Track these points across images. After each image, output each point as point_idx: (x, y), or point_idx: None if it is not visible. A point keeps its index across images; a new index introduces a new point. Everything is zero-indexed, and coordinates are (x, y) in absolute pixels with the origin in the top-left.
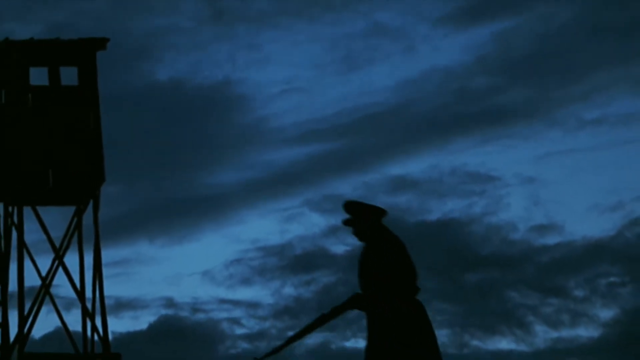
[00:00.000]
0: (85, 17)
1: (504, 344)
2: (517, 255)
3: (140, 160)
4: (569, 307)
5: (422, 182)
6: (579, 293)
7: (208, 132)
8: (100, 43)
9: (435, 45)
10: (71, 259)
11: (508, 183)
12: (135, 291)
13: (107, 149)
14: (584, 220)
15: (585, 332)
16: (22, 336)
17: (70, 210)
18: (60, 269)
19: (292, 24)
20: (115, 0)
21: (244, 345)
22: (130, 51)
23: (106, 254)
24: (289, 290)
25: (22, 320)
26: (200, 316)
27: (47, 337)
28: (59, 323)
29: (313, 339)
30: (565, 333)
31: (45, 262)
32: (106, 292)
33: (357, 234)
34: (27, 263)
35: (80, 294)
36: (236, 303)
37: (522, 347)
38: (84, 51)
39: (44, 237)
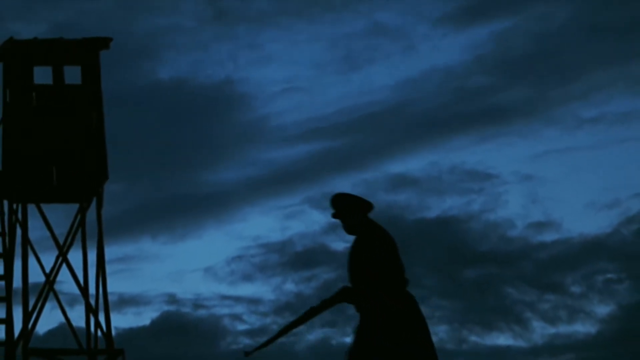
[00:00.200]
0: (88, 17)
1: (502, 339)
2: (515, 252)
3: (143, 159)
4: (567, 303)
5: (422, 180)
6: (576, 289)
7: (210, 131)
8: (103, 43)
9: (435, 45)
10: (75, 256)
11: (506, 181)
12: (138, 287)
13: (110, 147)
14: (582, 217)
15: (583, 328)
16: (27, 332)
17: (73, 207)
18: (64, 266)
19: (293, 23)
20: (118, 1)
21: (246, 340)
22: (132, 51)
23: (109, 251)
24: (289, 286)
25: (27, 316)
26: (202, 312)
27: (51, 333)
28: (62, 319)
29: (314, 335)
30: (563, 329)
31: (49, 259)
32: (109, 289)
33: (347, 228)
34: (31, 260)
35: (84, 290)
36: (238, 299)
37: (520, 343)
38: (87, 51)
39: (48, 234)
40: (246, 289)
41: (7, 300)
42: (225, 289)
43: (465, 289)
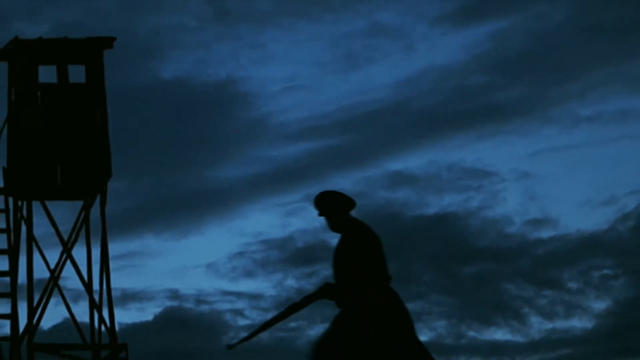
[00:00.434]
0: (92, 17)
1: (500, 334)
2: (512, 249)
3: (146, 156)
4: (564, 298)
5: (421, 178)
6: (573, 285)
7: (212, 129)
8: (107, 42)
9: (434, 44)
10: (79, 252)
11: (504, 178)
12: (141, 283)
13: (113, 145)
14: (578, 214)
15: (579, 323)
16: (31, 327)
17: (78, 204)
18: (69, 262)
19: (294, 23)
20: (121, 1)
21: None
22: (136, 50)
23: (113, 247)
24: (290, 282)
25: (31, 311)
26: (204, 307)
27: (55, 328)
28: (67, 314)
29: (314, 331)
30: (560, 324)
31: (53, 255)
32: (113, 284)
33: (331, 225)
34: (36, 256)
35: (88, 286)
36: (239, 295)
37: (518, 338)
38: (92, 50)
39: (53, 230)
40: (248, 285)
41: (12, 296)
42: (227, 285)
43: (464, 284)
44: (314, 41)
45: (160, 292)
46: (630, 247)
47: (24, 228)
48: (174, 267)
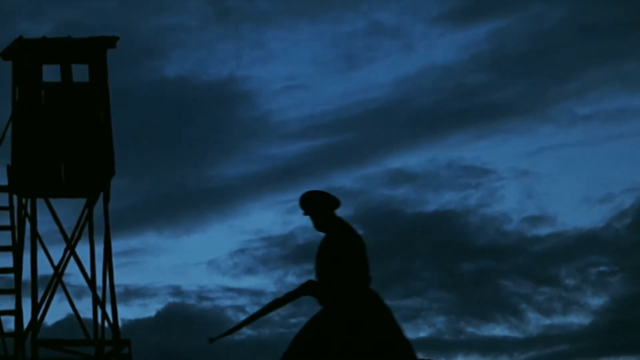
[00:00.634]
0: (95, 16)
1: (498, 330)
2: (510, 246)
3: (148, 155)
4: (561, 295)
5: (420, 175)
6: (570, 282)
7: (214, 127)
8: (111, 41)
9: (432, 43)
10: (82, 249)
11: (502, 176)
12: (143, 280)
13: (116, 144)
14: (575, 211)
15: (576, 319)
16: (35, 323)
17: (81, 202)
18: (72, 259)
19: (295, 23)
20: (124, 1)
21: (248, 332)
22: (139, 49)
23: (116, 244)
24: (291, 278)
25: (35, 307)
26: (206, 304)
27: (59, 324)
28: (70, 310)
29: None
30: (557, 320)
31: (57, 252)
32: (116, 281)
33: (316, 225)
34: (40, 253)
35: (91, 282)
36: (241, 291)
37: (516, 334)
38: (95, 49)
39: (56, 228)
40: (249, 282)
41: (17, 293)
42: (228, 281)
43: (463, 281)
44: (315, 41)
45: (162, 289)
46: (626, 244)
47: (28, 225)
48: (176, 264)
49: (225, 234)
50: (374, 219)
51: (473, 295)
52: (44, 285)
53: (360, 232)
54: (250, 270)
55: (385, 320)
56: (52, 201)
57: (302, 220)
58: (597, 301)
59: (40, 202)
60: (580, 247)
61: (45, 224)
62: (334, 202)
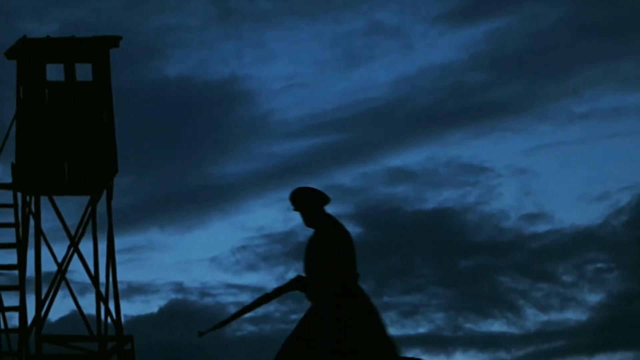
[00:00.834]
0: (99, 16)
1: (496, 326)
2: (508, 243)
3: (151, 152)
4: (558, 291)
5: (419, 173)
6: (567, 278)
7: (215, 126)
8: (113, 41)
9: (432, 43)
10: (86, 246)
11: (500, 174)
12: (146, 276)
13: (119, 142)
14: (573, 209)
15: (574, 315)
16: (39, 319)
17: (84, 199)
18: (76, 256)
19: (295, 23)
20: (127, 1)
21: (250, 328)
22: (141, 49)
23: (119, 241)
24: (292, 275)
25: (39, 304)
26: (208, 300)
27: (62, 320)
28: (74, 307)
29: None
30: (555, 316)
31: (61, 249)
32: (119, 277)
33: (306, 221)
34: (44, 250)
35: (95, 279)
36: (242, 288)
37: (514, 330)
38: (98, 49)
39: (60, 225)
40: (250, 278)
41: (21, 289)
42: (230, 278)
43: (461, 278)
44: (315, 40)
45: (165, 285)
46: (623, 241)
47: (32, 222)
48: (179, 260)
49: (226, 231)
50: (373, 217)
51: (471, 292)
52: (48, 281)
53: (360, 229)
54: (251, 267)
55: (373, 319)
56: (56, 199)
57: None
58: (594, 298)
59: (44, 200)
60: (577, 244)
61: (49, 221)
62: (324, 199)
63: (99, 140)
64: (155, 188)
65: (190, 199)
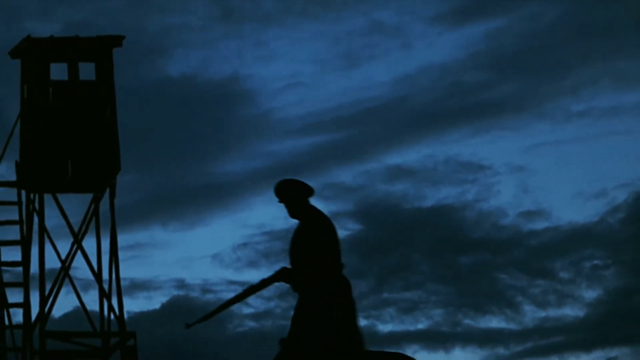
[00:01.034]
0: (102, 16)
1: (495, 322)
2: (506, 240)
3: (153, 151)
4: (556, 288)
5: (418, 171)
6: (564, 275)
7: (217, 124)
8: (117, 40)
9: (431, 42)
10: (89, 243)
11: (498, 172)
12: (149, 273)
13: (122, 140)
14: (570, 206)
15: (571, 311)
16: (43, 315)
17: (88, 197)
18: (79, 253)
19: (296, 22)
20: (130, 0)
21: (251, 323)
22: (144, 48)
23: (122, 239)
24: None
25: (43, 300)
26: (210, 296)
27: (66, 316)
28: (77, 303)
29: None
30: (552, 312)
31: (64, 246)
32: (122, 274)
33: (291, 212)
34: (48, 247)
35: (98, 275)
36: (243, 284)
37: (512, 326)
38: (101, 48)
39: (64, 222)
40: (251, 275)
41: (25, 286)
42: (231, 275)
43: (460, 274)
44: (315, 40)
45: (167, 282)
46: (620, 238)
47: (36, 220)
48: (181, 257)
49: (228, 228)
50: (373, 214)
51: (470, 288)
52: (52, 278)
53: (359, 226)
54: (252, 264)
55: (356, 314)
56: (60, 196)
57: None
58: (591, 294)
59: (47, 198)
60: (574, 241)
61: (52, 219)
62: (308, 191)
63: (102, 139)
64: (158, 186)
65: (192, 197)
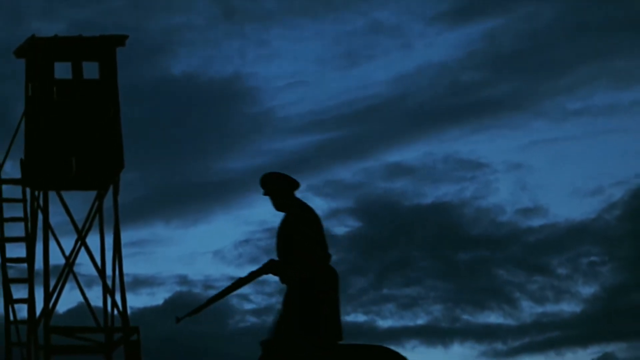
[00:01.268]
0: (105, 15)
1: (493, 318)
2: (504, 236)
3: (156, 148)
4: (553, 284)
5: (417, 169)
6: (562, 271)
7: (219, 123)
8: (120, 40)
9: (430, 41)
10: (93, 240)
11: (496, 169)
12: (152, 269)
13: (126, 138)
14: (567, 203)
15: (568, 307)
16: (48, 311)
17: (91, 194)
18: (83, 249)
19: (298, 22)
20: (133, 0)
21: (252, 319)
22: (147, 47)
23: (125, 235)
24: None
25: (48, 296)
26: (212, 292)
27: (70, 312)
28: (81, 299)
29: None
30: (550, 308)
31: (68, 243)
32: (125, 270)
33: (276, 205)
34: (52, 243)
35: (101, 272)
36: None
37: (510, 321)
38: (105, 47)
39: (68, 219)
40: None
41: (29, 282)
42: (233, 271)
43: (458, 270)
44: (317, 39)
45: (169, 278)
46: (616, 235)
47: (40, 217)
48: (183, 254)
49: (230, 225)
50: (373, 211)
51: (468, 284)
52: (56, 274)
53: (359, 223)
54: (254, 260)
55: (335, 298)
56: (64, 194)
57: None
58: (587, 290)
59: (52, 195)
60: (571, 237)
61: (56, 216)
62: (294, 184)
63: (105, 137)
64: (161, 183)
65: (195, 194)
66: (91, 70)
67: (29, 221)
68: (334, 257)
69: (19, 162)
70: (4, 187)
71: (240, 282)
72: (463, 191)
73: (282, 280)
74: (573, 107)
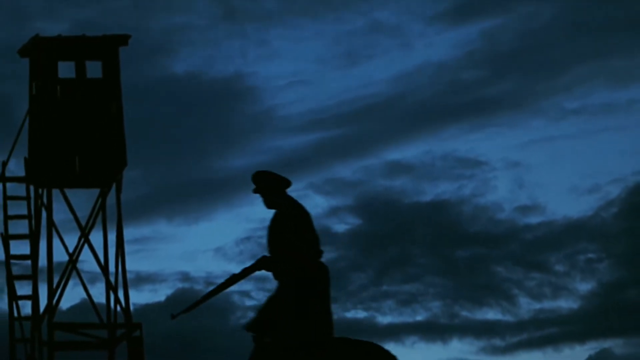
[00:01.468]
0: (108, 15)
1: (491, 314)
2: (503, 234)
3: (159, 147)
4: (551, 281)
5: (417, 167)
6: (559, 268)
7: (221, 121)
8: (123, 39)
9: (429, 41)
10: (96, 237)
11: (495, 167)
12: (154, 266)
13: (128, 136)
14: (565, 201)
15: (565, 303)
16: (51, 307)
17: (95, 192)
18: (86, 246)
19: (298, 22)
20: (136, 0)
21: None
22: (149, 47)
23: (128, 232)
24: None
25: (51, 292)
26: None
27: (74, 308)
28: (84, 295)
29: None
30: (547, 305)
31: (72, 240)
32: (128, 267)
33: (267, 203)
34: (56, 241)
35: (104, 268)
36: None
37: (508, 318)
38: (108, 47)
39: (71, 217)
40: None
41: (33, 278)
42: (234, 268)
43: (457, 267)
44: (317, 39)
45: (172, 275)
46: (613, 232)
47: (44, 214)
48: (185, 251)
49: (231, 222)
50: (373, 209)
51: (467, 281)
52: (60, 271)
53: (359, 221)
54: (255, 257)
55: (326, 294)
56: (67, 191)
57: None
58: (585, 286)
59: (55, 192)
60: (569, 235)
61: (60, 213)
62: (284, 182)
63: (108, 135)
64: (163, 181)
65: (197, 192)
66: (94, 69)
67: (33, 219)
68: (334, 254)
69: (23, 160)
70: (9, 185)
71: (233, 279)
72: (462, 189)
73: (275, 276)
74: (571, 106)
